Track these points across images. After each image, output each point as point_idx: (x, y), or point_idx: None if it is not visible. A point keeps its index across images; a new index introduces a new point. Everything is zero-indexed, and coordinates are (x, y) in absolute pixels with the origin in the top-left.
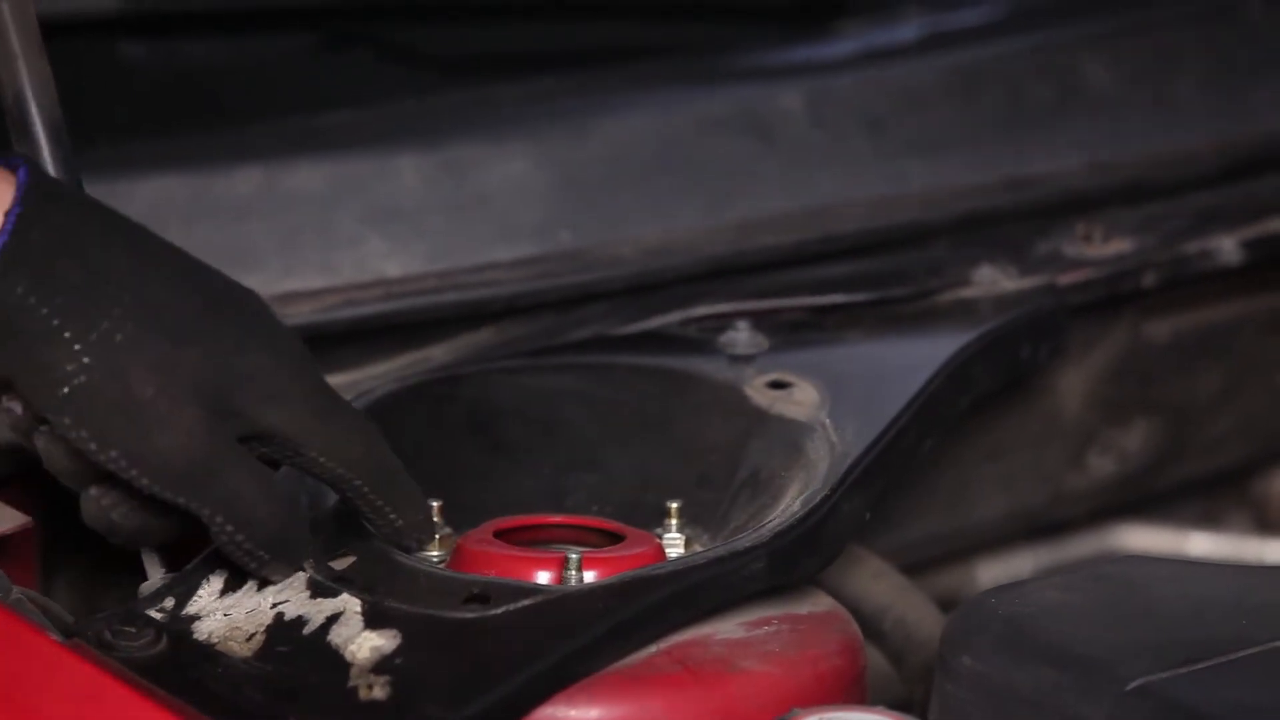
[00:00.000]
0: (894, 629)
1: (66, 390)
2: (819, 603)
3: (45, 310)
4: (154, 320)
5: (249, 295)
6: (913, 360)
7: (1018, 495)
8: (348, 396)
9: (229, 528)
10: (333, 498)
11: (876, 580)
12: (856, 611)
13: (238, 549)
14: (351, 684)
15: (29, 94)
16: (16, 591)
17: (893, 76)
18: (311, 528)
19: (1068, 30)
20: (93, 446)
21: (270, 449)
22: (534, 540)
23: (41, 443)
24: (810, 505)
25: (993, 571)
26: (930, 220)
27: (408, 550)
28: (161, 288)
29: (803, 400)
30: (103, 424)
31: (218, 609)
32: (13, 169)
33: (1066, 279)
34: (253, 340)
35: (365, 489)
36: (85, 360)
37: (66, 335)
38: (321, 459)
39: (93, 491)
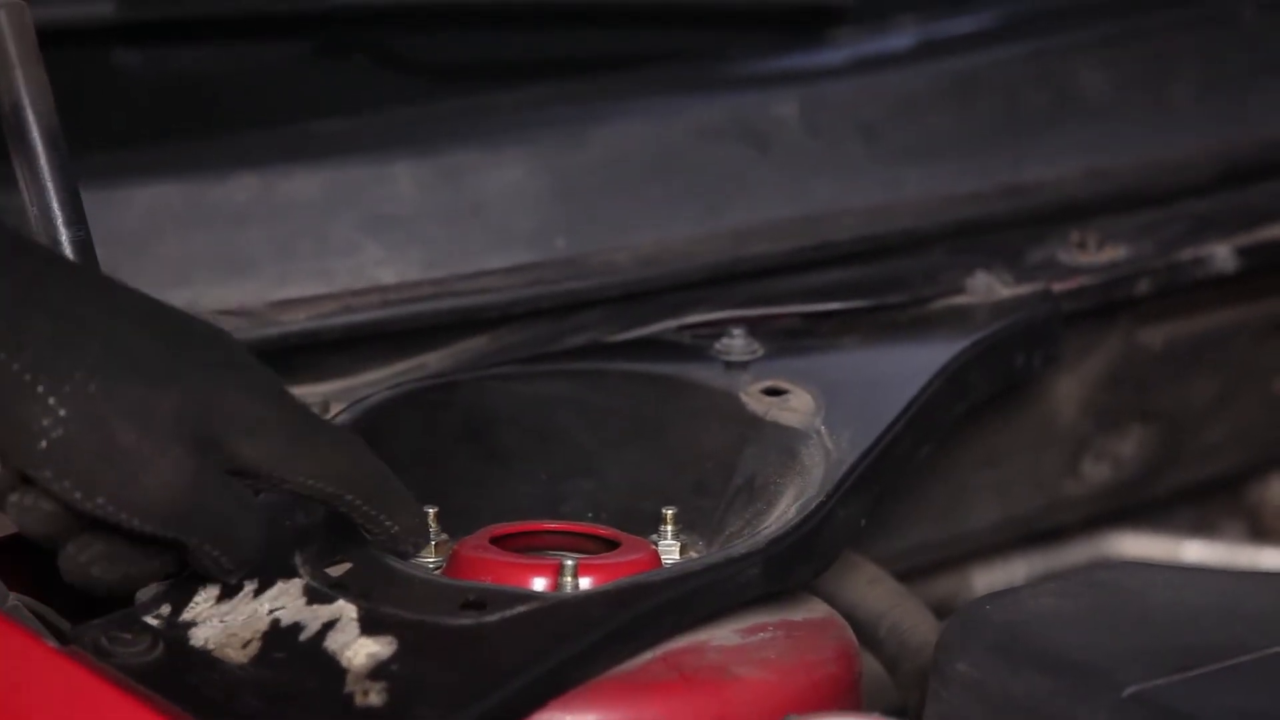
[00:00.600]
0: (889, 635)
1: (44, 444)
2: (814, 609)
3: (16, 365)
4: (127, 365)
5: (219, 333)
6: (908, 367)
7: (1013, 502)
8: (343, 403)
9: (214, 552)
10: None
11: (872, 586)
12: (852, 618)
13: (214, 564)
14: (348, 690)
15: (26, 102)
16: (12, 598)
17: (888, 84)
18: (306, 536)
19: (1063, 37)
20: (78, 495)
21: (256, 482)
22: (529, 547)
23: (14, 508)
24: (805, 512)
25: (988, 578)
26: (925, 227)
27: (404, 555)
28: (131, 332)
29: (798, 407)
30: (86, 474)
31: (214, 615)
32: None
33: (1061, 286)
34: (228, 375)
35: (358, 502)
36: (61, 413)
37: (40, 390)
38: (310, 482)
39: (70, 549)
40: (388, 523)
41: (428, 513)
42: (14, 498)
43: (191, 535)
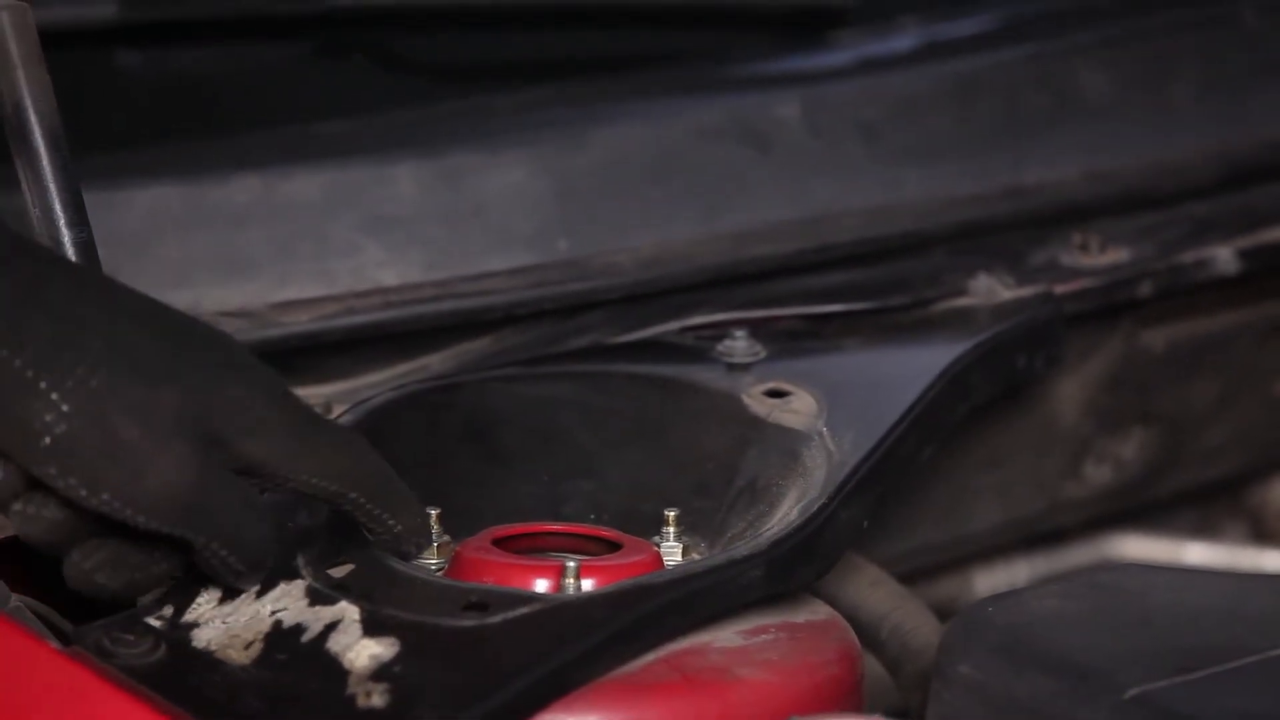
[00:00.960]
0: (891, 637)
1: (48, 441)
2: (816, 611)
3: (18, 362)
4: (128, 363)
5: (220, 334)
6: (910, 369)
7: (1015, 504)
8: (344, 405)
9: (222, 552)
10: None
11: (874, 588)
12: (854, 619)
13: (221, 564)
14: (350, 692)
15: (28, 103)
16: (15, 599)
17: (889, 85)
18: (308, 537)
19: (1064, 39)
20: (83, 493)
21: (259, 481)
22: (532, 548)
23: (18, 516)
24: (808, 514)
25: (990, 580)
26: (927, 229)
27: (406, 556)
28: (132, 332)
29: (800, 409)
30: (90, 469)
31: (216, 617)
32: None
33: (1063, 288)
34: (228, 375)
35: (361, 500)
36: (64, 409)
37: (42, 386)
38: (314, 480)
39: (74, 556)
40: (391, 522)
41: (430, 514)
42: (18, 505)
43: (199, 534)
